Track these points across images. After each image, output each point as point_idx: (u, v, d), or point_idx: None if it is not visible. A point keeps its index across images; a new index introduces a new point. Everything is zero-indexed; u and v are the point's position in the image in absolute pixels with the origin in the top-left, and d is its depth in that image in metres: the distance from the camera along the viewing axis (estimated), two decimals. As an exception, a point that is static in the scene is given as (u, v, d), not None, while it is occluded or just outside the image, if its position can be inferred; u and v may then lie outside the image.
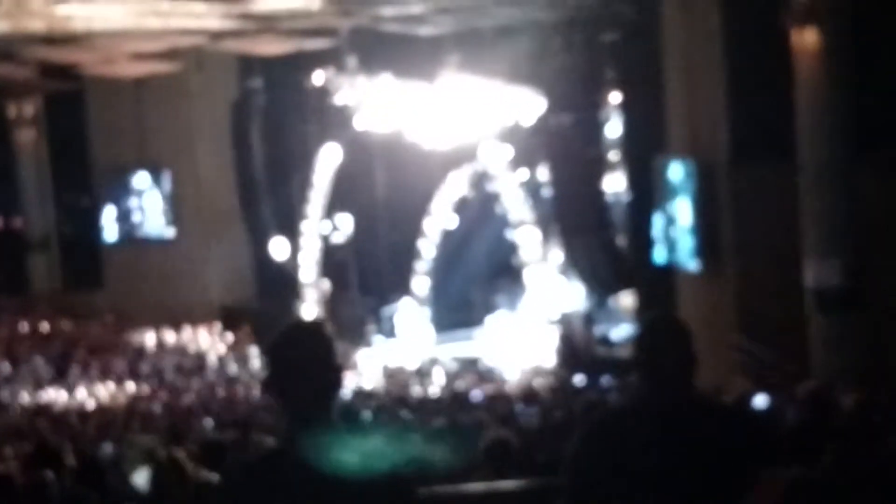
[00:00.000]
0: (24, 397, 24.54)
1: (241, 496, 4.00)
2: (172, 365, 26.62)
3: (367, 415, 15.50)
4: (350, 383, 24.06)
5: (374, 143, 29.89)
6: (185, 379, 25.89)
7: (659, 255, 21.60)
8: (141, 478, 9.64)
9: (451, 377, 25.30)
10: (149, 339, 28.30)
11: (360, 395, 22.25)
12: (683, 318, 4.80)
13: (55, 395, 24.54)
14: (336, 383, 4.11)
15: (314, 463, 3.92)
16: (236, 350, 27.40)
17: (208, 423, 20.54)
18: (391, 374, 25.93)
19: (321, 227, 30.18)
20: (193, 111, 30.52)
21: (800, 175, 17.25)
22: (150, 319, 29.13)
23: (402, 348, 27.69)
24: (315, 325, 4.22)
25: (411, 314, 28.59)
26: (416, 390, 24.05)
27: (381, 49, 26.99)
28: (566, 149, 24.17)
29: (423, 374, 25.77)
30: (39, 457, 9.63)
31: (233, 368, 26.54)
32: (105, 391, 24.86)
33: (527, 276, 27.74)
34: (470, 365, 26.31)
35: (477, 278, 29.44)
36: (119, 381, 25.47)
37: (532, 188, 27.85)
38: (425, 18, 23.61)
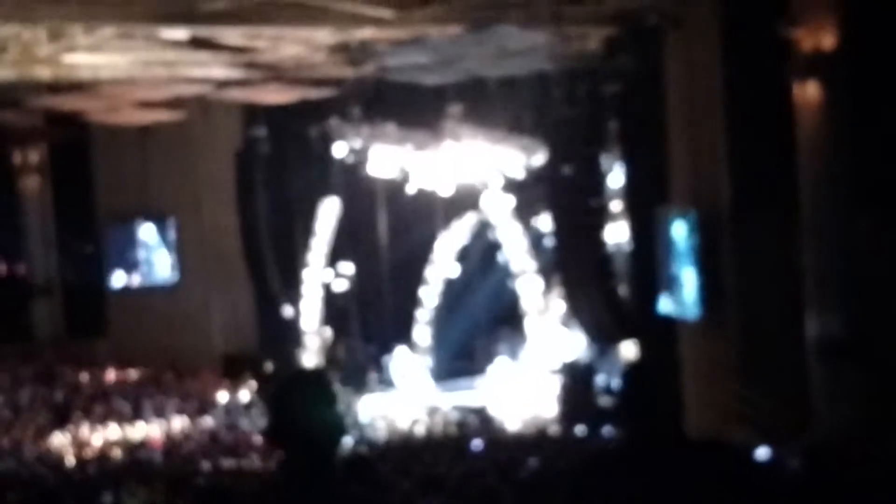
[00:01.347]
0: (27, 444, 24.49)
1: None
2: (174, 411, 26.58)
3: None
4: (352, 431, 24.04)
5: (377, 191, 30.04)
6: (187, 425, 25.85)
7: (661, 305, 21.63)
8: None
9: (452, 426, 25.27)
10: (150, 385, 28.26)
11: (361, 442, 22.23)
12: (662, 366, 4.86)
13: (57, 442, 24.48)
14: (338, 432, 4.14)
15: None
16: (238, 398, 27.36)
17: (209, 470, 20.54)
18: (391, 422, 25.88)
19: (323, 276, 30.24)
20: (198, 159, 30.66)
21: (801, 227, 17.30)
22: (152, 367, 29.13)
23: (403, 397, 27.66)
24: (317, 375, 4.26)
25: (408, 362, 28.60)
26: (416, 438, 24.04)
27: (385, 99, 27.15)
28: (568, 199, 24.22)
29: (423, 422, 25.74)
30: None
31: (234, 416, 26.49)
32: (106, 438, 24.81)
33: (528, 325, 27.76)
34: (471, 414, 26.28)
35: (479, 327, 29.48)
36: (121, 428, 25.42)
37: (534, 238, 27.94)
38: (429, 69, 23.76)
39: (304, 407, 4.06)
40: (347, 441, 22.78)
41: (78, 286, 33.21)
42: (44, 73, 21.99)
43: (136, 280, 31.61)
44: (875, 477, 7.86)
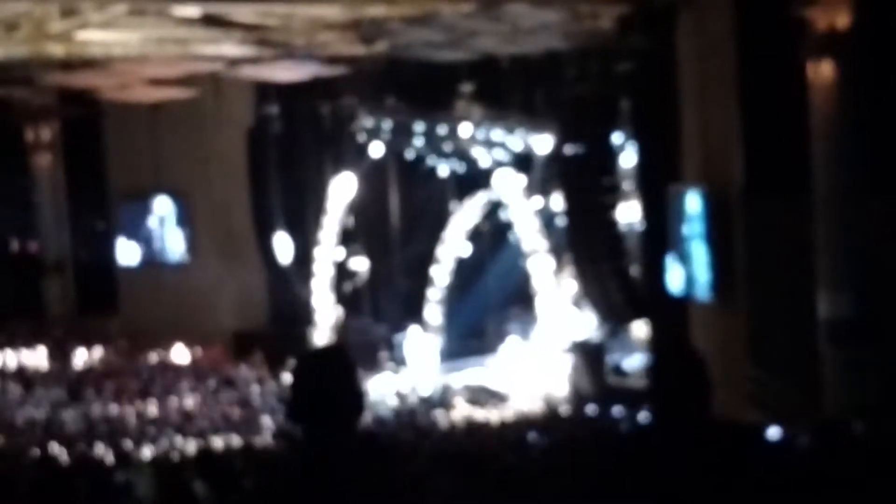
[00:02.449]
0: (39, 421, 24.56)
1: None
2: (186, 388, 26.64)
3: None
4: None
5: (388, 169, 30.05)
6: (199, 403, 25.92)
7: (672, 285, 21.61)
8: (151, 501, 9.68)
9: (464, 405, 25.32)
10: (162, 362, 28.33)
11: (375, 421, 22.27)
12: (698, 348, 4.85)
13: (69, 419, 24.55)
14: (358, 408, 4.14)
15: (336, 487, 3.95)
16: (249, 375, 27.40)
17: (221, 446, 20.60)
18: (402, 401, 25.92)
19: (335, 254, 30.26)
20: (209, 137, 30.63)
21: (814, 207, 17.26)
22: (163, 344, 29.19)
23: (415, 375, 27.70)
24: (338, 351, 4.26)
25: (421, 341, 28.63)
26: (427, 417, 24.08)
27: (397, 77, 27.11)
28: (580, 178, 24.19)
29: (434, 401, 25.78)
30: (53, 483, 9.68)
31: (245, 393, 26.55)
32: (118, 414, 24.88)
33: (540, 304, 27.76)
34: (482, 393, 26.31)
35: (490, 307, 29.48)
36: (132, 405, 25.49)
37: (546, 217, 27.91)
38: (441, 46, 23.72)
39: (324, 383, 4.06)
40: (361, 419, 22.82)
41: (90, 263, 33.26)
42: (56, 50, 21.99)
43: (147, 257, 31.64)
44: (885, 457, 7.86)
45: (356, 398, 4.13)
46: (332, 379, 4.09)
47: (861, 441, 8.76)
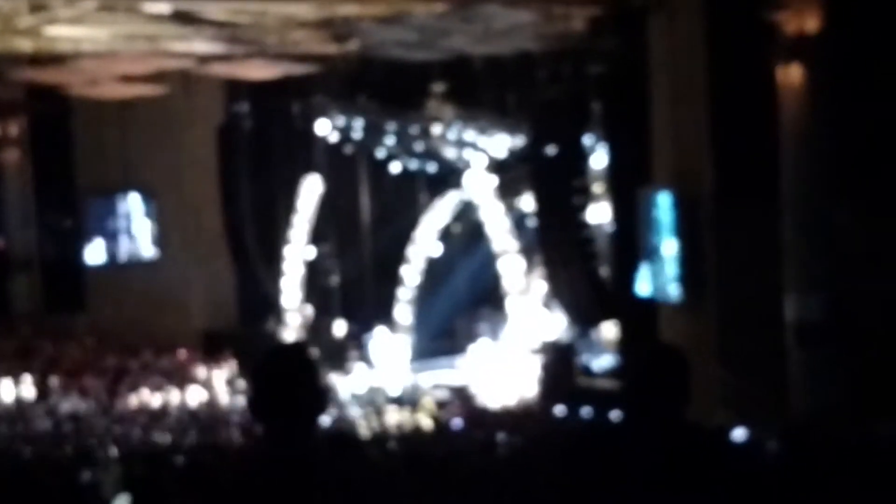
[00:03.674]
0: (4, 418, 24.40)
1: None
2: (153, 387, 26.51)
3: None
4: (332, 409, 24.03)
5: (359, 168, 30.01)
6: (166, 401, 25.81)
7: (642, 286, 21.66)
8: (120, 500, 9.62)
9: (433, 405, 25.29)
10: (130, 361, 28.16)
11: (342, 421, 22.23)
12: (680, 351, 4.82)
13: (35, 418, 24.40)
14: (320, 407, 4.13)
15: (295, 484, 3.93)
16: (218, 374, 27.30)
17: (189, 445, 20.50)
18: (371, 400, 25.88)
19: (305, 253, 30.20)
20: (179, 134, 30.47)
21: (783, 209, 17.33)
22: (131, 342, 29.03)
23: (384, 375, 27.65)
24: (299, 348, 4.25)
25: (390, 341, 28.60)
26: (395, 418, 24.06)
27: (369, 76, 27.07)
28: (551, 179, 24.22)
29: (403, 401, 25.75)
30: (20, 481, 9.61)
31: (213, 392, 26.46)
32: (85, 412, 24.74)
33: (510, 305, 27.77)
34: (451, 393, 26.30)
35: (460, 307, 29.48)
36: (99, 404, 25.35)
37: (517, 218, 27.94)
38: (413, 46, 23.69)
39: (284, 380, 4.06)
40: (328, 419, 22.78)
41: (57, 261, 33.04)
42: (24, 45, 21.84)
43: (115, 255, 31.44)
44: (852, 459, 7.88)
45: (318, 396, 4.12)
46: (293, 377, 4.08)
47: (828, 442, 8.79)
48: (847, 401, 15.85)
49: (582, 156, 24.44)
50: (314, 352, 27.60)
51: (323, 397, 4.15)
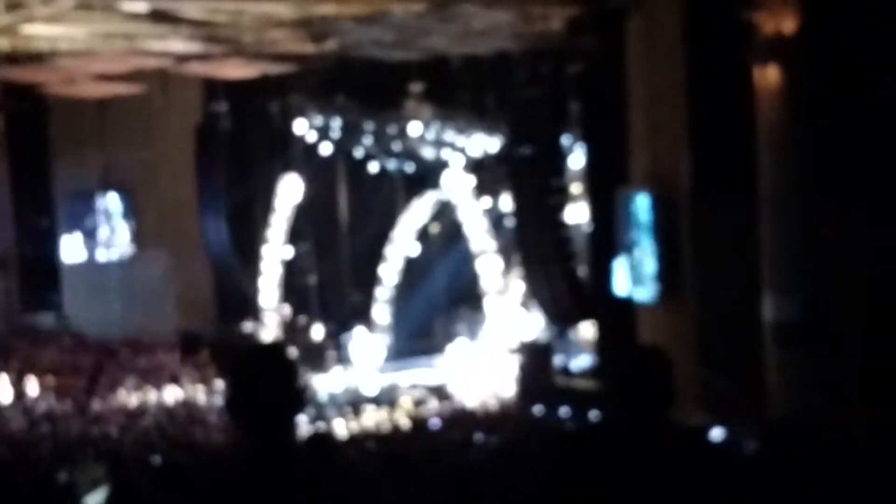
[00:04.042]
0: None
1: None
2: (131, 387, 26.42)
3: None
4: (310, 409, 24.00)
5: (337, 168, 30.00)
6: (143, 401, 25.73)
7: (619, 286, 21.69)
8: (97, 498, 9.58)
9: (411, 405, 25.28)
10: (107, 361, 28.05)
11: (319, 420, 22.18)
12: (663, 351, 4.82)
13: (10, 418, 24.28)
14: (296, 407, 4.12)
15: (271, 484, 3.92)
16: (195, 374, 27.23)
17: (165, 445, 20.44)
18: (349, 400, 25.86)
19: (283, 253, 30.15)
20: (157, 133, 30.41)
21: (761, 209, 17.37)
22: (108, 341, 28.94)
23: (361, 375, 27.64)
24: (276, 348, 4.24)
25: (367, 340, 28.59)
26: (373, 417, 24.04)
27: (347, 75, 27.04)
28: (529, 179, 24.25)
29: (380, 400, 25.74)
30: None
31: (191, 391, 26.38)
32: (62, 412, 24.63)
33: (488, 305, 27.78)
34: (429, 393, 26.30)
35: (438, 306, 29.49)
36: (76, 403, 25.24)
37: (494, 217, 27.96)
38: (391, 46, 23.67)
39: (260, 381, 4.05)
40: (307, 419, 22.74)
41: (34, 260, 32.91)
42: (1, 44, 21.72)
43: (93, 254, 31.35)
44: (830, 460, 7.89)
45: (295, 396, 4.11)
46: (270, 376, 4.07)
47: (806, 443, 8.79)
48: (825, 401, 15.89)
49: (560, 156, 24.46)
50: (292, 351, 27.73)
51: (300, 397, 4.14)
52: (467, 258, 28.42)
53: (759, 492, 5.61)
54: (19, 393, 25.91)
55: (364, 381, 27.23)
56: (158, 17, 20.85)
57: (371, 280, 29.18)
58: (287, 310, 30.20)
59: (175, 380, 26.95)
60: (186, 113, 30.26)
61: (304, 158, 29.67)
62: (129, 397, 25.94)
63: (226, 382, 4.27)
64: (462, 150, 27.85)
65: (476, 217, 27.92)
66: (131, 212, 31.00)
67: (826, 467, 7.43)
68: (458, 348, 27.62)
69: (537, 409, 22.91)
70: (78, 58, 23.61)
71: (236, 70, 25.44)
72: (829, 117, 16.51)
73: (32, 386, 26.30)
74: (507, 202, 26.93)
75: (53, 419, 24.23)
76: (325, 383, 26.94)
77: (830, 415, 14.37)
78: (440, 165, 28.28)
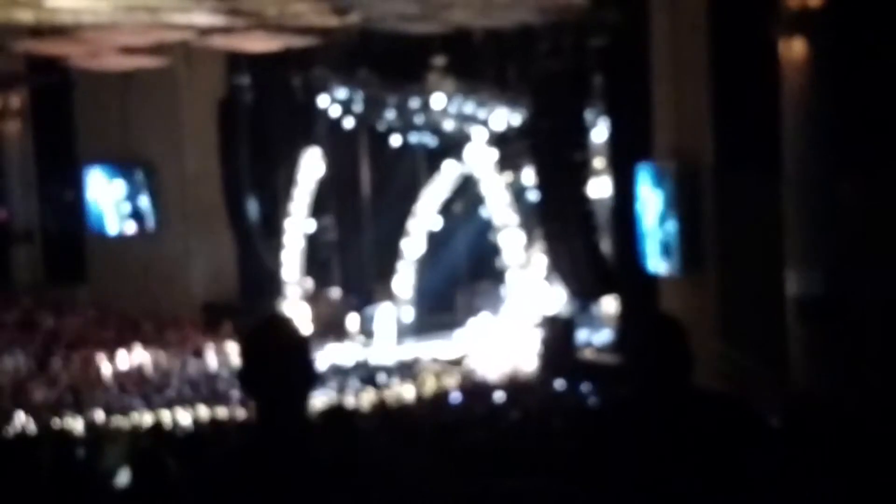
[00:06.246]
0: (5, 390, 24.45)
1: (217, 491, 3.98)
2: (155, 359, 26.55)
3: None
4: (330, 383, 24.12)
5: (360, 141, 29.98)
6: (167, 374, 25.85)
7: (642, 260, 21.65)
8: (122, 477, 9.63)
9: (432, 378, 25.33)
10: (131, 332, 28.19)
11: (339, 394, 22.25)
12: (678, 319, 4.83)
13: (35, 390, 24.43)
14: (309, 379, 4.09)
15: (286, 458, 3.91)
16: (217, 346, 27.33)
17: (187, 418, 20.58)
18: (370, 373, 25.91)
19: (305, 226, 30.18)
20: (180, 107, 30.46)
21: (784, 184, 17.29)
22: (132, 314, 29.08)
23: (383, 348, 27.69)
24: (288, 320, 4.21)
25: (390, 314, 28.62)
26: (394, 391, 24.09)
27: (370, 48, 26.99)
28: (552, 152, 24.17)
29: (402, 375, 25.79)
30: (19, 453, 9.62)
31: (213, 364, 26.49)
32: (86, 384, 24.78)
33: (510, 279, 27.77)
34: (451, 367, 26.33)
35: (460, 280, 29.49)
36: (100, 375, 25.39)
37: (517, 191, 27.91)
38: (414, 19, 23.60)
39: (272, 354, 4.03)
40: (325, 392, 22.82)
41: (58, 232, 33.07)
42: (25, 16, 21.75)
43: (117, 227, 31.46)
44: (851, 437, 7.88)
45: (306, 370, 4.08)
46: (280, 350, 4.04)
47: (828, 418, 8.78)
48: (848, 377, 15.85)
49: (583, 129, 24.39)
50: (313, 324, 27.81)
51: (311, 372, 4.10)
52: (489, 232, 28.38)
53: (780, 464, 5.58)
54: (44, 365, 26.07)
55: (385, 354, 27.28)
56: (181, -10, 20.85)
57: (393, 253, 29.19)
58: (310, 283, 30.25)
59: (198, 353, 27.07)
60: (210, 86, 30.27)
61: (326, 132, 29.64)
62: (153, 369, 26.07)
63: (239, 356, 4.26)
64: (484, 124, 27.77)
65: (498, 191, 27.88)
66: (154, 185, 31.07)
67: (846, 440, 7.42)
68: (480, 322, 27.62)
69: (559, 384, 22.92)
70: (101, 31, 23.62)
71: (259, 43, 25.42)
72: (854, 90, 16.40)
73: (56, 359, 26.47)
74: (529, 176, 26.87)
75: (77, 392, 24.39)
76: (346, 356, 27.00)
77: (852, 389, 14.33)
78: (463, 139, 28.21)
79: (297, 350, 4.07)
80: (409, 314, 28.88)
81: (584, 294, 25.23)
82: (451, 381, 24.97)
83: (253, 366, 4.07)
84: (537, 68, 24.63)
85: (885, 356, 15.82)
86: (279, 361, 4.02)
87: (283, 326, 4.15)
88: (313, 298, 30.01)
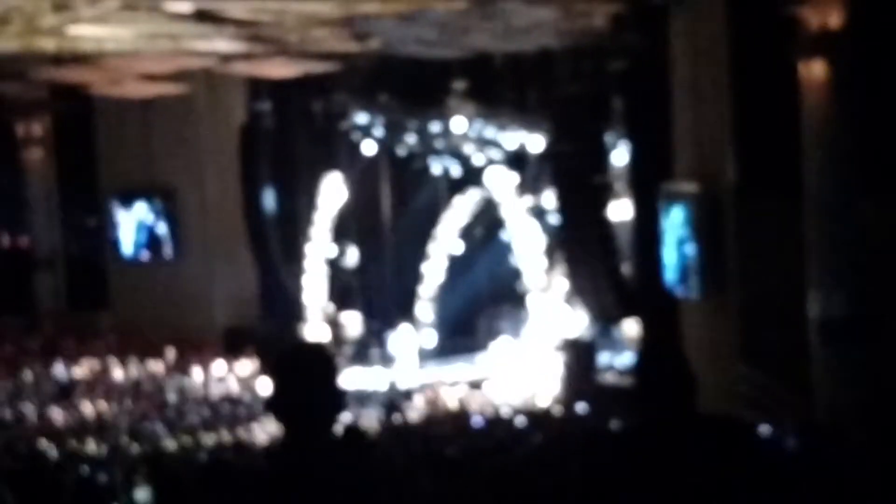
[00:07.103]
0: (28, 416, 24.53)
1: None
2: (176, 385, 26.61)
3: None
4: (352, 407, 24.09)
5: (381, 166, 30.04)
6: (188, 399, 25.89)
7: (663, 283, 21.61)
8: (142, 496, 9.66)
9: (453, 402, 25.31)
10: (153, 358, 28.26)
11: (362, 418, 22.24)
12: (678, 344, 4.88)
13: (58, 415, 24.50)
14: (337, 406, 4.13)
15: (313, 482, 3.93)
16: (240, 372, 27.37)
17: (210, 442, 20.59)
18: (392, 397, 25.90)
19: (327, 251, 30.23)
20: (201, 133, 30.57)
21: (805, 206, 17.26)
22: (154, 340, 29.13)
23: (404, 372, 27.69)
24: (318, 347, 4.25)
25: (411, 338, 28.62)
26: (415, 415, 24.08)
27: (390, 74, 27.08)
28: (572, 176, 24.19)
29: (423, 398, 25.77)
30: (38, 477, 9.65)
31: (235, 390, 26.53)
32: (108, 411, 24.83)
33: (531, 302, 27.75)
34: (472, 390, 26.31)
35: (481, 304, 29.48)
36: (122, 401, 25.44)
37: (538, 215, 27.92)
38: (434, 44, 23.68)
39: (303, 380, 4.06)
40: (347, 416, 22.81)
41: (81, 259, 33.20)
42: (47, 44, 21.91)
43: (138, 253, 31.58)
44: (874, 458, 7.85)
45: (335, 397, 4.12)
46: (310, 377, 4.08)
47: (851, 441, 8.75)
48: (871, 399, 15.77)
49: (603, 153, 24.40)
50: (335, 349, 27.81)
51: (341, 397, 4.14)
52: (510, 255, 28.39)
53: (803, 487, 5.58)
54: (66, 391, 26.15)
55: (407, 378, 27.27)
56: (203, 17, 20.98)
57: (414, 277, 29.21)
58: (331, 308, 30.28)
59: (221, 378, 27.11)
60: (231, 112, 30.40)
61: (347, 157, 29.71)
62: (175, 395, 26.11)
63: (268, 381, 4.29)
64: (505, 148, 27.81)
65: (519, 214, 27.89)
66: (176, 211, 31.19)
67: (871, 464, 7.38)
68: (501, 346, 27.60)
69: (581, 408, 22.88)
70: (123, 58, 23.79)
71: (280, 69, 25.54)
72: (874, 112, 16.39)
73: (79, 384, 26.55)
74: (550, 199, 26.87)
75: (99, 417, 24.45)
76: (368, 380, 26.99)
77: (876, 412, 14.26)
78: (483, 163, 28.25)
79: (326, 376, 4.10)
80: (430, 338, 28.87)
81: (605, 317, 25.19)
82: (473, 404, 24.95)
83: (284, 392, 4.10)
84: (557, 92, 24.68)
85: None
86: (310, 388, 4.05)
87: (313, 353, 4.18)
88: (335, 323, 30.03)
